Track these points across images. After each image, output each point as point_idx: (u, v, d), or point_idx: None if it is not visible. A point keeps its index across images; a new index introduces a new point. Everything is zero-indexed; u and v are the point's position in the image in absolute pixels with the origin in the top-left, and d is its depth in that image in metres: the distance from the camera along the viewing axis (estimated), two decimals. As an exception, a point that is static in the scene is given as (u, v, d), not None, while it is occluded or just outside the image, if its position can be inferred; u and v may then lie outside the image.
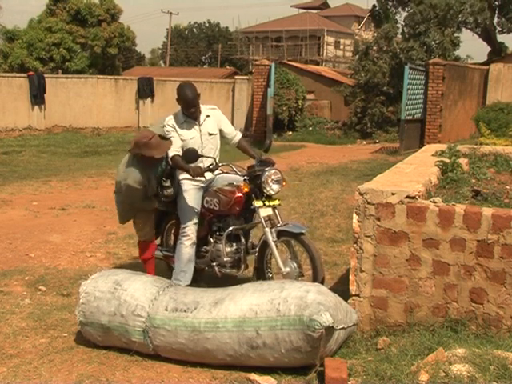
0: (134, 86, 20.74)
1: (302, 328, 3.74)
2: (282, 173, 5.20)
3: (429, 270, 4.01)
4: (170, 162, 5.17)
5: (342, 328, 3.91)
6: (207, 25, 69.55)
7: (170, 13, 54.64)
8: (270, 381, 3.77)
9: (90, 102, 19.63)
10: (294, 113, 20.50)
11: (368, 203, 4.11)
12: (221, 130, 5.39)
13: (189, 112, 5.17)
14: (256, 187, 5.07)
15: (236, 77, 23.59)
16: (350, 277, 4.25)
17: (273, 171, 5.08)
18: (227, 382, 3.87)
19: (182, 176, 5.22)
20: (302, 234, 4.94)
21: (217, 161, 5.18)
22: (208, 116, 5.30)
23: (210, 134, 5.29)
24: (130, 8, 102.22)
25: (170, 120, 5.21)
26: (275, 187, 5.09)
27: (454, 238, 3.92)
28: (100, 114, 19.89)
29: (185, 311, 4.07)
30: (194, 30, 70.16)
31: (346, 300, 4.19)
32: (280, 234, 5.00)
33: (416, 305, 4.07)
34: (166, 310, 4.12)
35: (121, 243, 7.24)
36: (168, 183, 5.27)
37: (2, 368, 4.06)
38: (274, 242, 4.97)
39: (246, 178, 5.15)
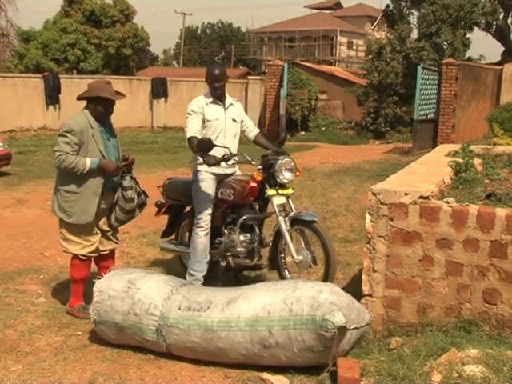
0: (147, 86, 20.83)
1: (315, 328, 3.75)
2: (295, 162, 5.27)
3: (442, 270, 4.00)
4: (187, 143, 5.18)
5: (355, 328, 3.91)
6: (220, 25, 69.66)
7: (184, 13, 54.87)
8: (283, 380, 3.78)
9: (103, 103, 19.70)
10: (306, 113, 20.50)
11: (381, 203, 4.11)
12: (241, 122, 5.51)
13: (214, 87, 5.25)
14: (269, 176, 5.13)
15: (249, 77, 23.63)
16: (363, 277, 4.25)
17: (286, 159, 5.17)
18: (240, 381, 3.89)
19: (200, 166, 5.24)
20: (315, 221, 5.02)
21: (231, 150, 5.19)
22: (232, 104, 5.43)
23: (234, 120, 5.40)
24: (143, 8, 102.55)
25: (199, 101, 5.30)
26: (288, 175, 5.16)
27: (467, 238, 3.91)
28: (114, 114, 19.90)
29: (198, 310, 4.09)
30: (207, 30, 70.30)
31: (358, 300, 4.19)
32: (293, 222, 5.08)
33: (429, 305, 4.06)
34: (180, 309, 4.14)
35: (134, 242, 7.27)
36: (130, 194, 5.02)
37: (18, 365, 4.11)
38: (288, 230, 5.04)
39: (259, 167, 5.22)
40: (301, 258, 5.02)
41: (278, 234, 5.17)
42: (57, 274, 6.10)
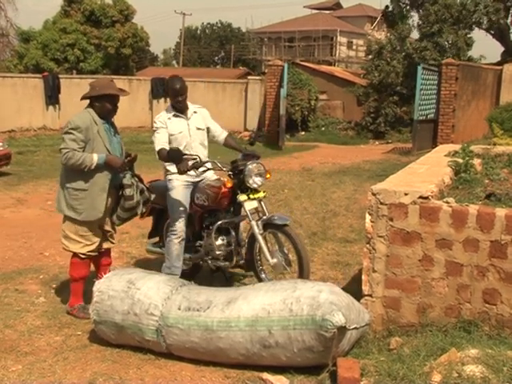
0: (147, 86, 20.84)
1: (315, 328, 3.75)
2: (264, 165, 5.32)
3: (442, 270, 4.00)
4: (157, 156, 5.26)
5: (355, 328, 3.91)
6: (219, 25, 69.63)
7: (183, 13, 54.86)
8: (283, 380, 3.78)
9: (103, 103, 19.69)
10: (306, 113, 20.49)
11: (381, 203, 4.11)
12: (208, 128, 5.59)
13: (175, 101, 5.37)
14: (240, 181, 5.19)
15: (249, 77, 23.61)
16: (363, 277, 4.26)
17: (255, 164, 5.22)
18: (240, 381, 3.89)
19: (172, 175, 5.35)
20: (286, 225, 5.07)
21: (201, 157, 5.24)
22: (195, 112, 5.54)
23: (198, 129, 5.49)
24: (143, 8, 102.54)
25: (161, 116, 5.42)
26: (258, 180, 5.22)
27: (467, 238, 3.91)
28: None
29: (198, 310, 4.09)
30: (207, 30, 70.29)
31: (358, 300, 4.19)
32: (266, 226, 5.14)
33: (429, 305, 4.06)
34: (179, 309, 4.14)
35: (134, 242, 7.28)
36: (129, 192, 4.95)
37: (17, 365, 4.11)
38: (261, 234, 5.11)
39: (230, 173, 5.28)
40: (275, 260, 5.08)
41: (253, 237, 5.23)
42: (57, 273, 6.10)
